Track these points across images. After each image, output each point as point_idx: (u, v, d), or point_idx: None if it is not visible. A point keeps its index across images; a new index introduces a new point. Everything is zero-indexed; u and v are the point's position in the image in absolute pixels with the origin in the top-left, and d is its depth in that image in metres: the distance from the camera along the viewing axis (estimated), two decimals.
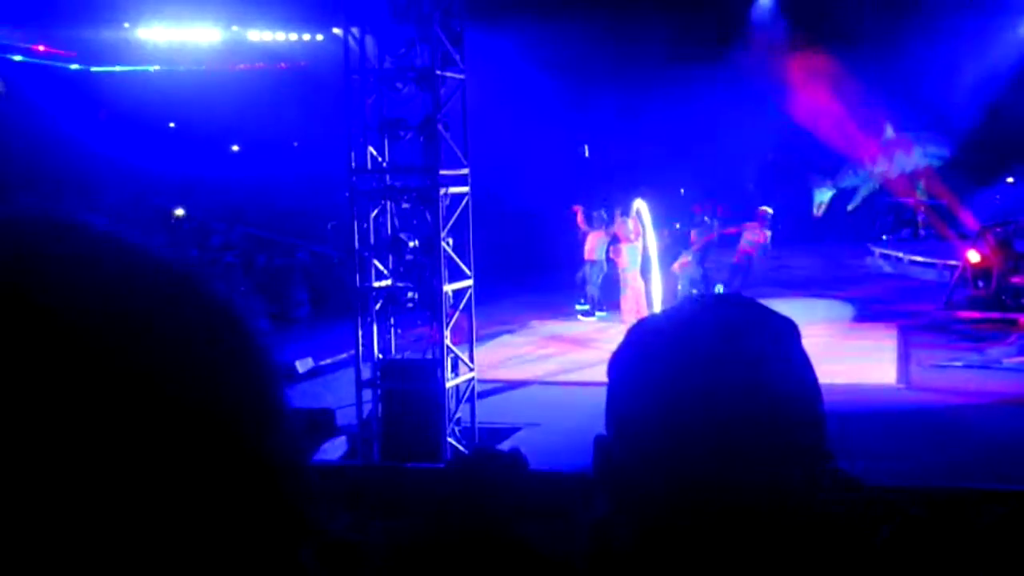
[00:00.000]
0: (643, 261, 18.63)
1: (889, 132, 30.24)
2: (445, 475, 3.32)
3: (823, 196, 30.98)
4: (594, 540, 1.40)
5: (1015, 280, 20.11)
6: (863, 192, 31.82)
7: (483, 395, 13.45)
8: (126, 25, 31.04)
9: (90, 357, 0.69)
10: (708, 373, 1.31)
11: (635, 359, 1.38)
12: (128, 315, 0.72)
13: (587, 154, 35.12)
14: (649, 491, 1.32)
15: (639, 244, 18.02)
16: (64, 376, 0.68)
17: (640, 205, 18.75)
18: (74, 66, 31.48)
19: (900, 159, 30.71)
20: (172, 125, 32.89)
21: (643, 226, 18.56)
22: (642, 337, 1.40)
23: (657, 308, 18.00)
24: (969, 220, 26.18)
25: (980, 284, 20.44)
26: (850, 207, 31.10)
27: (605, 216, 19.08)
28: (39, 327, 0.69)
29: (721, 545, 1.29)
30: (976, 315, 19.57)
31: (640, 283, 17.99)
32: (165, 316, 0.74)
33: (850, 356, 16.83)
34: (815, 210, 31.57)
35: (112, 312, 0.71)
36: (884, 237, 30.39)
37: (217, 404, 0.73)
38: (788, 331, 1.38)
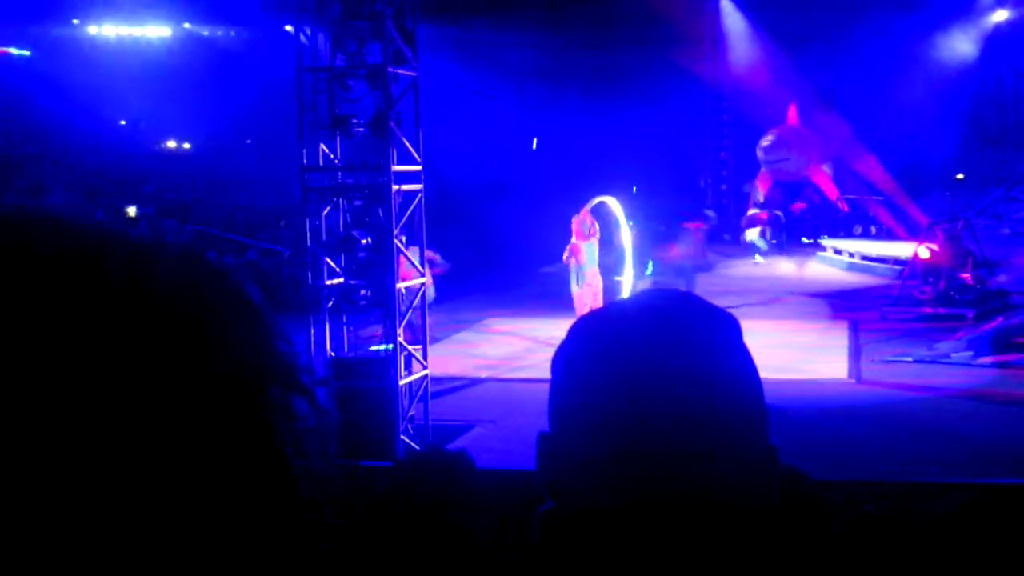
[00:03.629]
0: (616, 259, 18.61)
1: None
2: (390, 475, 3.31)
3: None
4: (540, 534, 1.39)
5: (963, 276, 20.31)
6: None
7: (437, 393, 13.44)
8: (75, 21, 30.77)
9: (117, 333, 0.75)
10: (649, 368, 1.31)
11: (576, 355, 1.38)
12: (146, 296, 0.79)
13: (535, 147, 35.08)
14: (590, 487, 1.32)
15: (595, 242, 17.99)
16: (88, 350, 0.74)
17: (611, 203, 18.70)
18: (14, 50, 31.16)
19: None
20: (123, 123, 32.63)
21: (615, 223, 18.50)
22: (583, 333, 1.40)
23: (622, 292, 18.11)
24: (919, 217, 26.41)
25: (930, 280, 20.63)
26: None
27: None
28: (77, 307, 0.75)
29: (663, 539, 1.29)
30: (926, 311, 19.75)
31: (598, 281, 17.97)
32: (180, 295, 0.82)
33: (801, 351, 16.96)
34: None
35: (131, 294, 0.78)
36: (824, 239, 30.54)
37: (233, 368, 0.80)
38: (730, 326, 1.39)
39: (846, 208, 31.29)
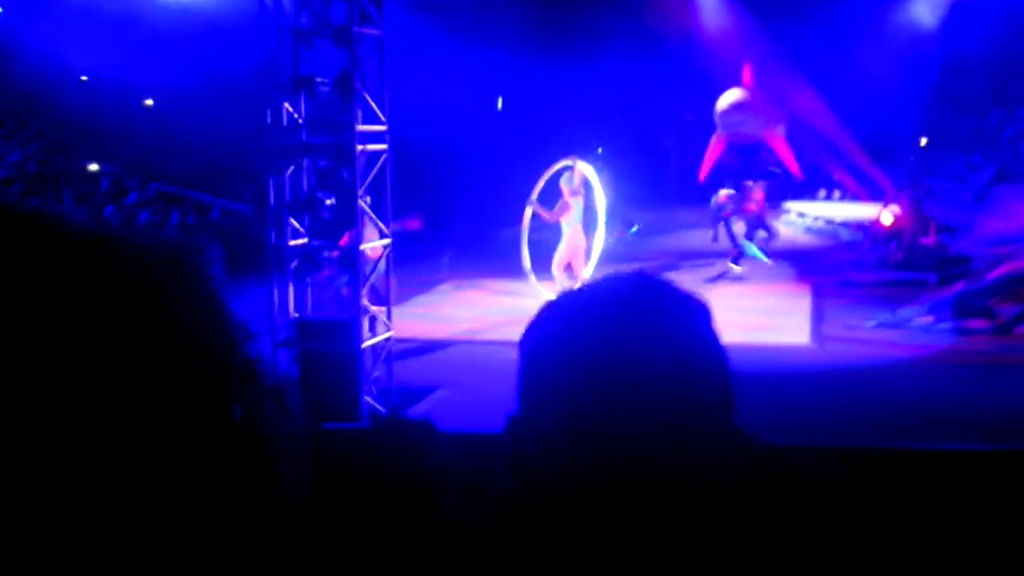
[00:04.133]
0: (587, 218, 18.52)
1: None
2: (353, 446, 3.30)
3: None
4: (502, 513, 1.38)
5: (925, 242, 20.44)
6: None
7: (401, 355, 13.42)
8: None
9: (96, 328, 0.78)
10: (617, 353, 1.30)
11: (545, 338, 1.37)
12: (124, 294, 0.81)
13: (500, 106, 34.97)
14: (556, 468, 1.31)
15: (580, 200, 17.93)
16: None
17: (584, 166, 18.55)
18: None
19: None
20: (84, 79, 32.28)
21: (587, 184, 18.38)
22: (552, 316, 1.39)
23: (591, 260, 18.12)
24: (883, 182, 26.53)
25: (892, 245, 20.75)
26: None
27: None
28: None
29: (629, 521, 1.28)
30: (888, 275, 19.87)
31: (581, 239, 17.92)
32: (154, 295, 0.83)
33: (763, 315, 17.03)
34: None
35: (105, 292, 0.80)
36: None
37: (204, 367, 0.83)
38: (699, 311, 1.39)
39: (800, 175, 31.27)
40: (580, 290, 1.43)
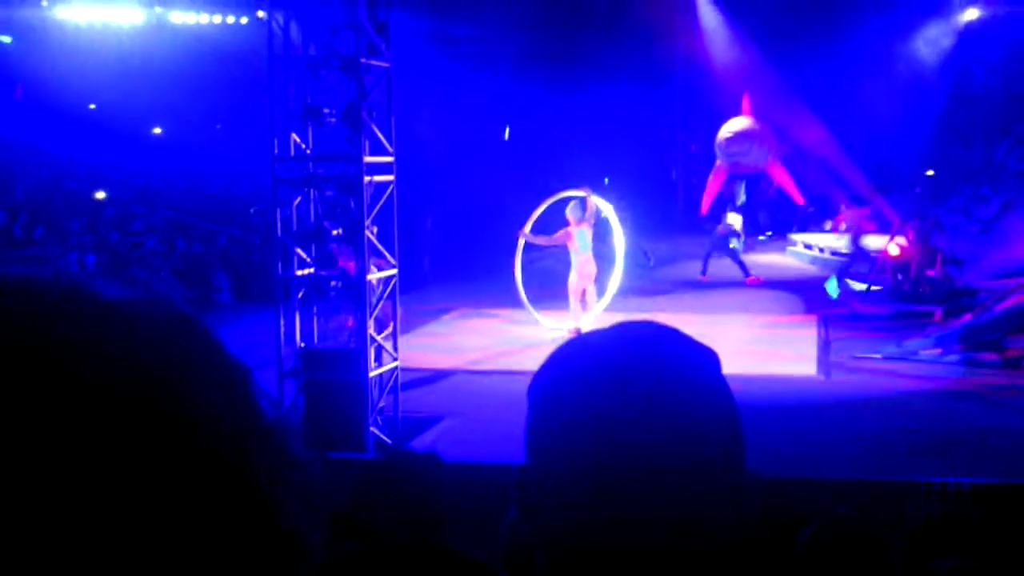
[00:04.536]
0: (602, 250, 18.62)
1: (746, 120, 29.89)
2: (362, 476, 3.28)
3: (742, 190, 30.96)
4: (510, 556, 1.38)
5: (931, 273, 20.42)
6: None
7: (406, 384, 13.41)
8: (44, 3, 30.50)
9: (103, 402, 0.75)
10: (627, 403, 1.30)
11: (554, 387, 1.36)
12: (133, 368, 0.78)
13: (507, 136, 35.06)
14: (566, 523, 1.31)
15: (588, 229, 18.01)
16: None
17: (600, 203, 18.71)
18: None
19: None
20: (93, 107, 32.41)
21: (599, 216, 18.46)
22: (561, 363, 1.38)
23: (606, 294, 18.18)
24: (889, 214, 26.53)
25: (899, 277, 20.73)
26: (739, 201, 31.14)
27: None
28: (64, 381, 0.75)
29: (640, 570, 1.28)
30: (894, 307, 19.84)
31: (592, 267, 17.98)
32: (169, 373, 0.80)
33: (770, 347, 17.01)
34: (737, 201, 31.76)
35: (119, 367, 0.77)
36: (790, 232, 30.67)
37: (217, 440, 0.80)
38: (708, 361, 1.38)
39: (803, 202, 31.27)
40: (589, 339, 1.43)
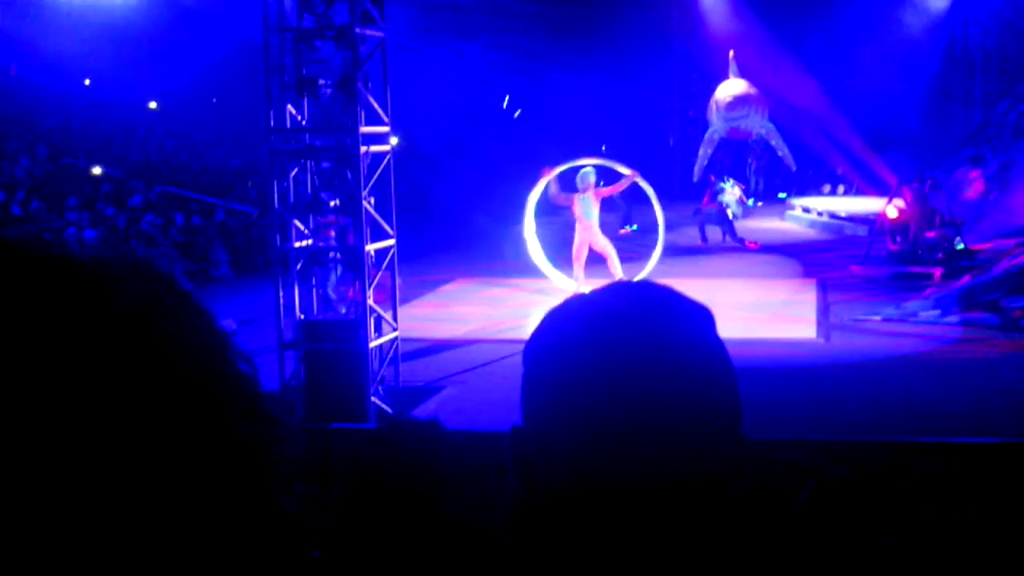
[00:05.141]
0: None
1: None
2: (361, 449, 3.29)
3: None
4: (512, 515, 1.39)
5: (930, 235, 20.41)
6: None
7: (406, 355, 13.43)
8: None
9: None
10: (622, 362, 1.30)
11: (548, 348, 1.37)
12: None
13: (506, 105, 34.97)
14: (563, 480, 1.31)
15: (593, 200, 18.00)
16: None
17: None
18: None
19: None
20: (87, 82, 32.31)
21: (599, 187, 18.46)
22: (555, 324, 1.39)
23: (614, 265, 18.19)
24: (887, 176, 26.50)
25: (898, 239, 20.72)
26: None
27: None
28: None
29: (636, 529, 1.29)
30: (893, 269, 19.85)
31: (591, 236, 17.97)
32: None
33: (769, 311, 17.03)
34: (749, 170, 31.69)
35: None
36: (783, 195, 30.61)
37: (207, 399, 0.83)
38: (703, 319, 1.38)
39: (794, 166, 31.19)
40: (583, 299, 1.43)
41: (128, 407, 0.78)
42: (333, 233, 12.45)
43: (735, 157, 31.13)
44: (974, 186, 23.84)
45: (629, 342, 1.31)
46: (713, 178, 25.54)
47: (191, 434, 0.81)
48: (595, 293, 1.42)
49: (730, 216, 24.46)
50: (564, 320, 1.39)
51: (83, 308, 0.80)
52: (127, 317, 0.81)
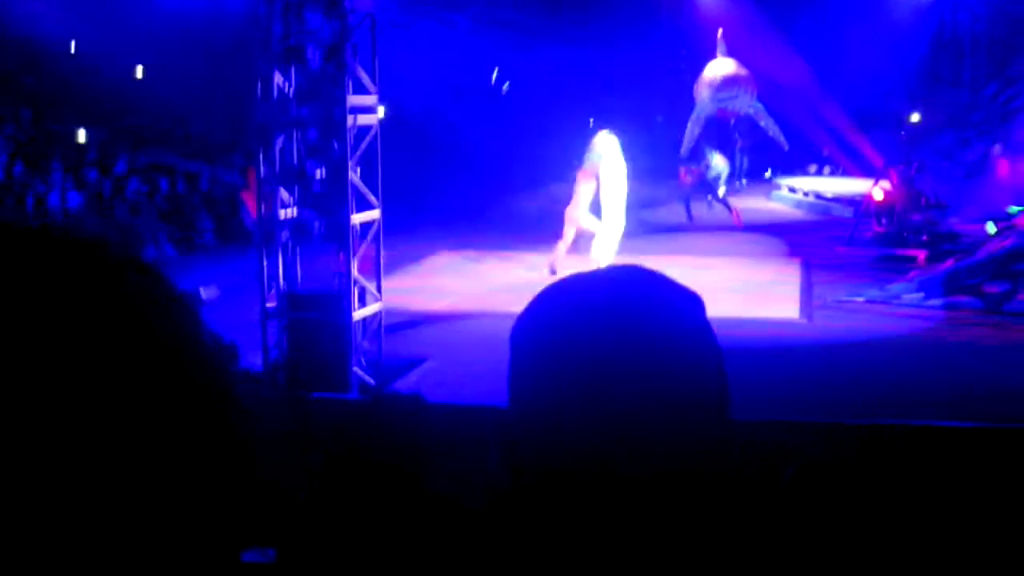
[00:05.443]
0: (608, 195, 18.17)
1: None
2: (343, 421, 3.30)
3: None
4: (493, 495, 1.38)
5: (916, 217, 20.46)
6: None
7: (390, 327, 13.41)
8: None
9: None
10: (609, 345, 1.30)
11: (537, 332, 1.36)
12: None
13: (495, 78, 34.88)
14: (547, 461, 1.31)
15: (585, 178, 17.88)
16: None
17: (604, 140, 18.37)
18: None
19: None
20: (73, 46, 32.09)
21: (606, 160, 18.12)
22: (543, 307, 1.38)
23: (605, 242, 18.03)
24: (874, 157, 26.53)
25: (883, 221, 20.77)
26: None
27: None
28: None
29: (620, 511, 1.28)
30: (878, 251, 19.90)
31: (579, 215, 17.88)
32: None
33: (754, 290, 17.05)
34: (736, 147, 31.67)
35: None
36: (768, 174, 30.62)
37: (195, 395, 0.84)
38: (693, 306, 1.38)
39: (785, 145, 31.19)
40: (572, 281, 1.42)
41: (98, 389, 0.78)
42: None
43: (722, 136, 31.07)
44: (999, 165, 23.75)
45: (619, 328, 1.31)
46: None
47: (162, 412, 0.81)
48: (584, 277, 1.41)
49: (710, 178, 24.56)
50: (552, 305, 1.38)
51: (44, 291, 0.81)
52: (82, 301, 0.82)
